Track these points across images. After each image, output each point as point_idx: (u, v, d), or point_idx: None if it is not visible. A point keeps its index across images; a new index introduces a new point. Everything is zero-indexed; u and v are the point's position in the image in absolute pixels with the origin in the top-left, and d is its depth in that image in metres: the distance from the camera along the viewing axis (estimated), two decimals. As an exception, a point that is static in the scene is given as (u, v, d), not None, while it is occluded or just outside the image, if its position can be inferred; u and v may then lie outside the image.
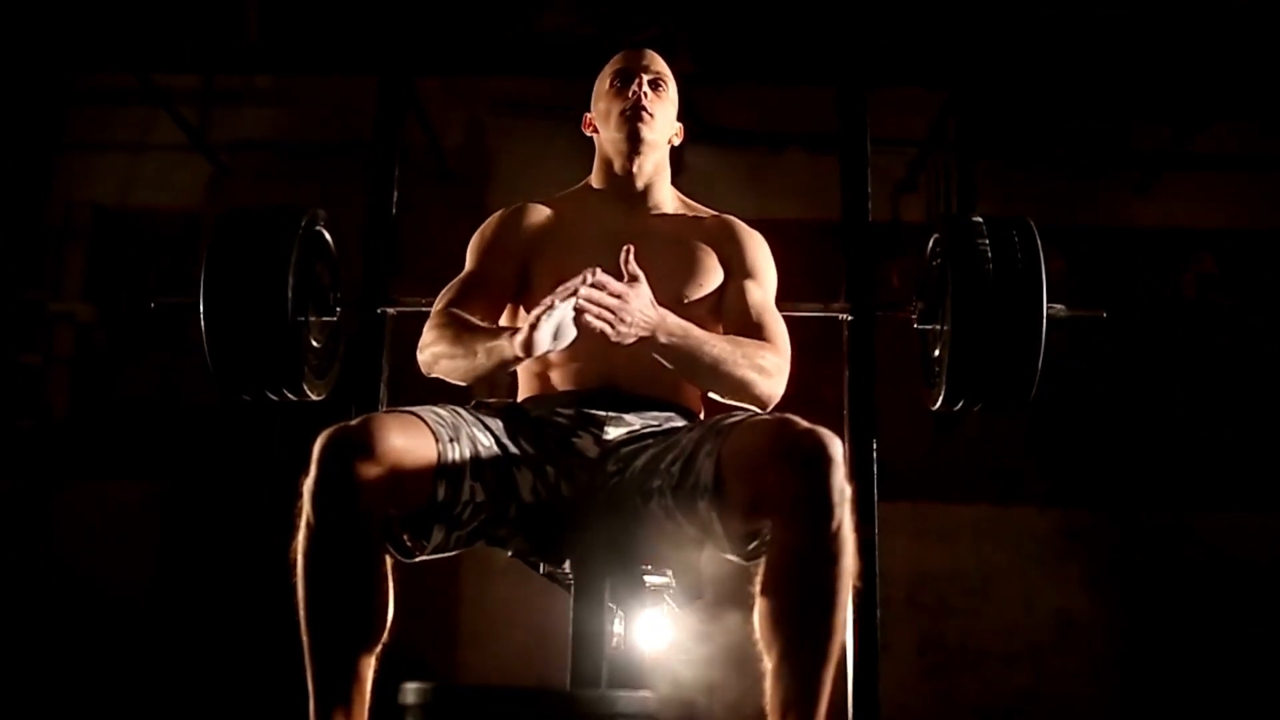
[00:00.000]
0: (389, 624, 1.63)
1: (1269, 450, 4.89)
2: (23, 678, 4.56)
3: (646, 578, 1.74)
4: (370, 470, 1.53)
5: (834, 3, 4.55)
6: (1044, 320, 2.10)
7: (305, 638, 1.59)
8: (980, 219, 2.20)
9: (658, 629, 2.04)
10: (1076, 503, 4.94)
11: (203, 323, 2.10)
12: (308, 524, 1.56)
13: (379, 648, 1.61)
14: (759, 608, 1.54)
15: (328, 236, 2.35)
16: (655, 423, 1.86)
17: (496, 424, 1.79)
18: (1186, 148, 4.92)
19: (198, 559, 4.83)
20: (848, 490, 1.52)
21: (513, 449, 1.75)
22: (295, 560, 1.59)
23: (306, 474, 1.56)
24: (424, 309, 2.46)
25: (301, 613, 1.59)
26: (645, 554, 1.67)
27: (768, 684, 1.52)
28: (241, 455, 4.80)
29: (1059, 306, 2.24)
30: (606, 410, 1.84)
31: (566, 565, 1.69)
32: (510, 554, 1.77)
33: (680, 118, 2.17)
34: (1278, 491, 4.83)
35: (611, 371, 1.87)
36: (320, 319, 2.30)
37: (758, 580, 1.56)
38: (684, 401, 1.95)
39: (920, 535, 4.93)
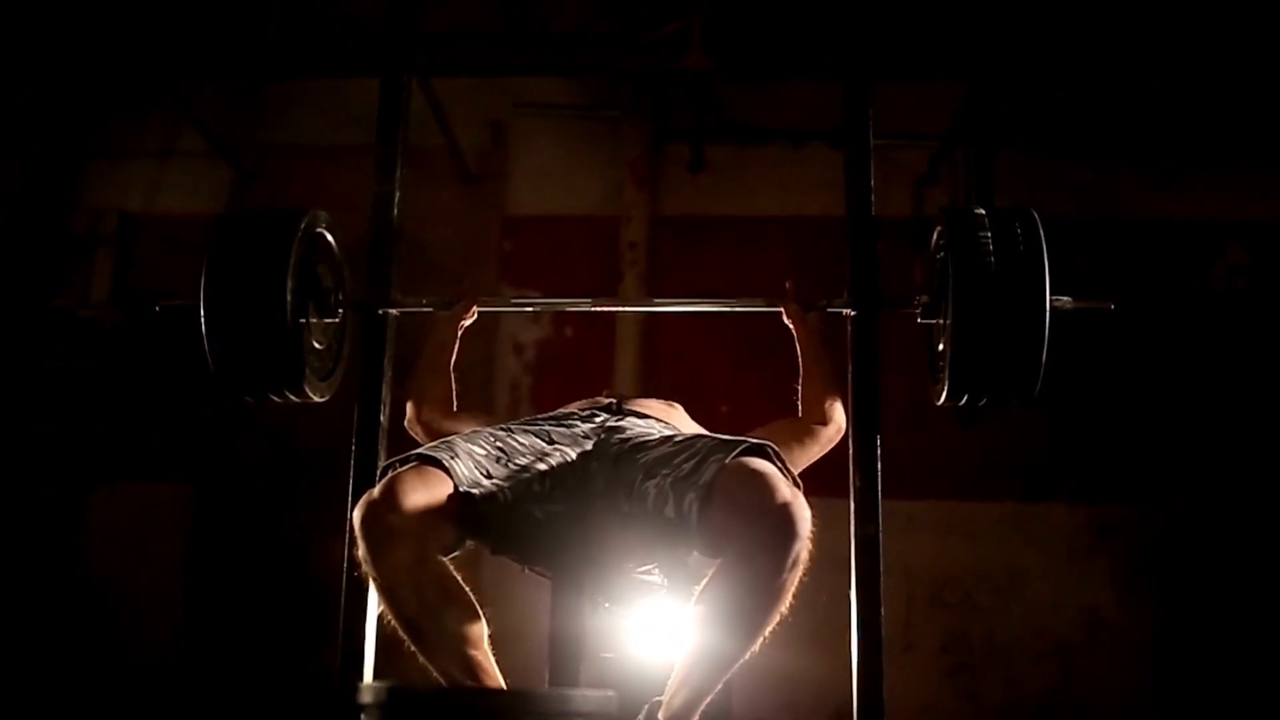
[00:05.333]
0: (482, 617, 1.86)
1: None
2: (50, 680, 4.62)
3: (638, 574, 1.73)
4: (403, 522, 1.72)
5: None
6: (1047, 312, 2.06)
7: (423, 657, 1.84)
8: (982, 210, 2.16)
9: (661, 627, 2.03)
10: (1105, 499, 4.86)
11: (203, 326, 2.11)
12: (376, 583, 1.77)
13: (485, 638, 1.85)
14: (698, 598, 1.75)
15: (330, 238, 2.35)
16: (645, 425, 2.06)
17: (499, 431, 1.99)
18: (1216, 138, 4.85)
19: (227, 561, 4.87)
20: (803, 559, 1.69)
21: (514, 441, 1.95)
22: (385, 613, 1.82)
23: (354, 544, 1.77)
24: (424, 309, 2.49)
25: (413, 646, 1.84)
26: (625, 548, 1.67)
27: (681, 653, 1.80)
28: (269, 457, 4.85)
29: (1065, 299, 2.20)
30: (611, 414, 2.15)
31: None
32: (490, 552, 1.78)
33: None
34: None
35: (615, 396, 2.28)
36: (322, 320, 2.30)
37: (709, 574, 1.75)
38: (674, 425, 2.22)
39: (946, 533, 4.88)
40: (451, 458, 1.82)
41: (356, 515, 1.75)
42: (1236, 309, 4.91)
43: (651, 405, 2.29)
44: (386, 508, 1.71)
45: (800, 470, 2.12)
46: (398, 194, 2.48)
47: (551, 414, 2.18)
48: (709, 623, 1.73)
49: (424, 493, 1.74)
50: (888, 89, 5.13)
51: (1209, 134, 4.84)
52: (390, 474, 1.79)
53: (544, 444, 1.96)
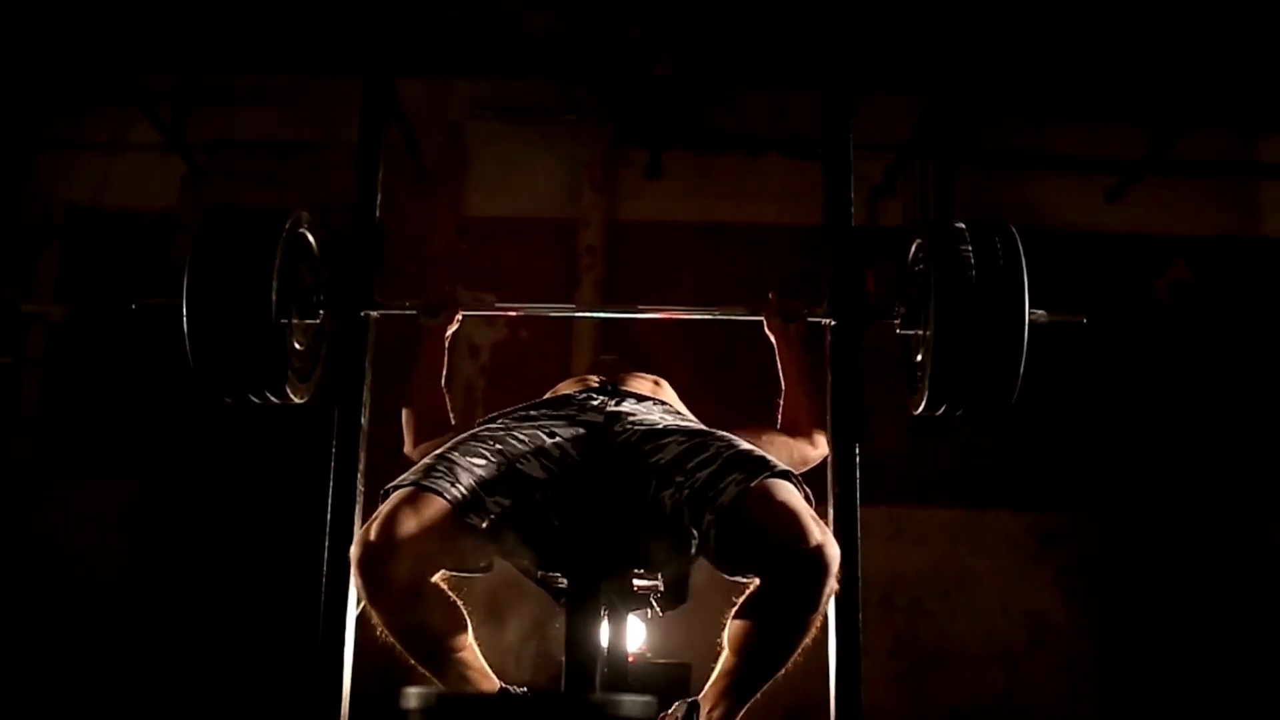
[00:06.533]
0: (468, 625, 1.91)
1: (1241, 452, 4.94)
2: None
3: (636, 581, 1.74)
4: (399, 567, 1.70)
5: (815, 7, 4.57)
6: (1026, 326, 2.10)
7: (420, 666, 1.86)
8: (963, 224, 2.21)
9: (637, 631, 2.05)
10: (1051, 506, 4.98)
11: (185, 324, 2.07)
12: (375, 614, 1.78)
13: (474, 644, 1.91)
14: (732, 622, 1.83)
15: (311, 239, 2.33)
16: (645, 410, 2.08)
17: (498, 431, 1.96)
18: (1161, 154, 4.98)
19: (171, 558, 4.79)
20: (834, 591, 1.77)
21: (514, 441, 1.92)
22: (385, 637, 1.82)
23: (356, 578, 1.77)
24: (407, 312, 2.48)
25: (412, 659, 1.86)
26: (639, 555, 1.68)
27: (718, 668, 1.86)
28: (215, 455, 4.78)
29: (1040, 312, 2.25)
30: (608, 395, 2.16)
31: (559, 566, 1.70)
32: (506, 561, 1.78)
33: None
34: (1251, 492, 4.89)
35: (609, 378, 2.32)
36: (303, 321, 2.28)
37: (740, 601, 1.81)
38: (669, 403, 2.24)
39: (896, 538, 4.96)
40: (451, 483, 1.77)
41: (354, 556, 1.72)
42: (1181, 322, 5.05)
43: (643, 384, 2.29)
44: (383, 552, 1.68)
45: None
46: (379, 195, 2.46)
47: (546, 400, 2.16)
48: (743, 648, 1.78)
49: (419, 527, 1.70)
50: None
51: (1154, 148, 4.96)
52: (387, 507, 1.75)
53: (545, 439, 1.92)
